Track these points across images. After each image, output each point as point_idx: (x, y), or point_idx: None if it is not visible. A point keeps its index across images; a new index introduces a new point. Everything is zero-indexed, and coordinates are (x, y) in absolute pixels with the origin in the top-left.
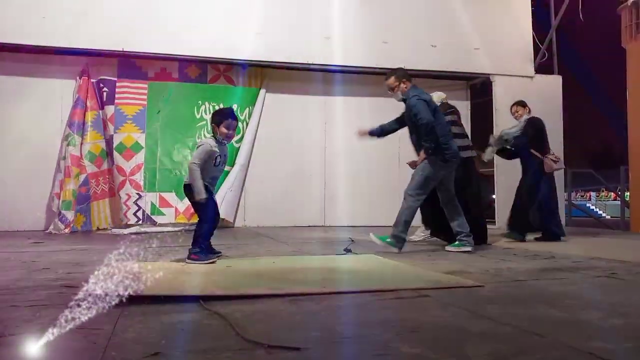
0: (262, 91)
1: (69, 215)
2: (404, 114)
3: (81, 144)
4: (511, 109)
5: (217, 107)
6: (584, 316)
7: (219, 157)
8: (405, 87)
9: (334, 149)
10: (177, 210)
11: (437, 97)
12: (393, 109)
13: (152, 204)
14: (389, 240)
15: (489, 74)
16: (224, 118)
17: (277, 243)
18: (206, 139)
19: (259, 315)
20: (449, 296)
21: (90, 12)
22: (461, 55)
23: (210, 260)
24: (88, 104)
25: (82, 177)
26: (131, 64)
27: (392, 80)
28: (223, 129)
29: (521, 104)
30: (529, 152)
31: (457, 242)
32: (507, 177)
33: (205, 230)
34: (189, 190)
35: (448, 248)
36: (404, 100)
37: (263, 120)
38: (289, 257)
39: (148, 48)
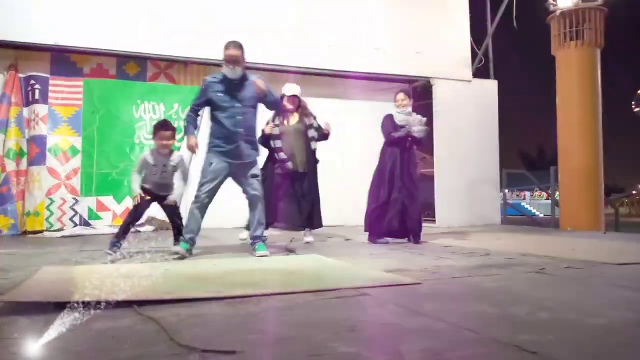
0: None
1: None
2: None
3: (4, 141)
4: (398, 95)
5: (157, 107)
6: (514, 311)
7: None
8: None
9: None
10: (114, 213)
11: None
12: (333, 110)
13: (89, 208)
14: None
15: (429, 78)
16: (156, 130)
17: (220, 245)
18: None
19: (195, 320)
20: (388, 294)
21: (21, 3)
22: (403, 59)
23: (112, 256)
24: (13, 99)
25: (3, 175)
26: (65, 60)
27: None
28: (161, 142)
29: (410, 95)
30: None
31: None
32: (446, 178)
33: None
34: None
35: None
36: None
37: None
38: (231, 259)
39: (83, 42)
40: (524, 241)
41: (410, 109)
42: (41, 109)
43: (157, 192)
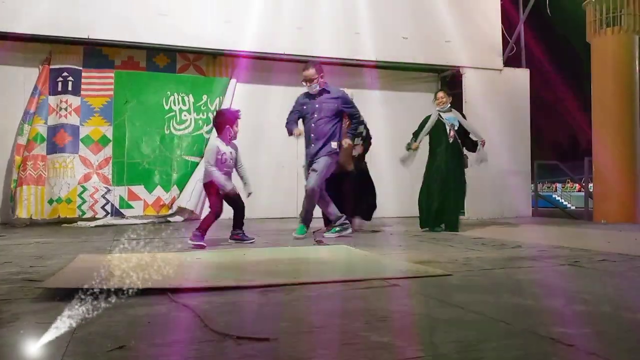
0: (233, 81)
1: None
2: (302, 107)
3: (29, 131)
4: (439, 94)
5: (186, 98)
6: (548, 303)
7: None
8: (324, 81)
9: None
10: (145, 202)
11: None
12: (364, 100)
13: (120, 197)
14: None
15: (459, 67)
16: (235, 118)
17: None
18: (212, 140)
19: (228, 307)
20: (418, 285)
21: None
22: (432, 48)
23: (198, 243)
24: (40, 89)
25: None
26: (97, 52)
27: (313, 72)
28: (237, 128)
29: (448, 93)
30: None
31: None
32: (475, 169)
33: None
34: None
35: (328, 235)
36: (321, 92)
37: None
38: (260, 248)
39: (114, 35)
40: (556, 233)
41: (447, 106)
42: (74, 100)
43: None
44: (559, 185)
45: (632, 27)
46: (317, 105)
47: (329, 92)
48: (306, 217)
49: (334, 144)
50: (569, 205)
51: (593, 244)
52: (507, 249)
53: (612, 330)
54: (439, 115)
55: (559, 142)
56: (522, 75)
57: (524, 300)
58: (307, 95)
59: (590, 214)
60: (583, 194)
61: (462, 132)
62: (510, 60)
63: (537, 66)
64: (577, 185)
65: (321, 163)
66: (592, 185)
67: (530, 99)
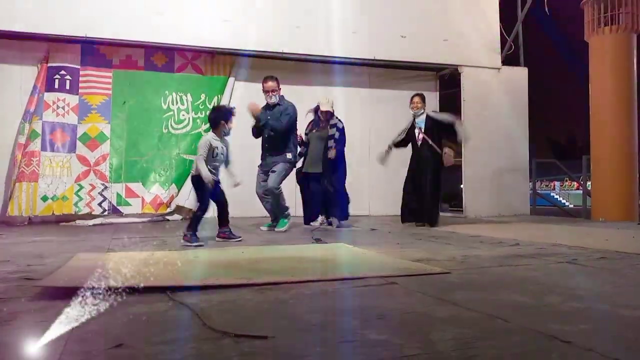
0: (231, 80)
1: None
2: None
3: (28, 130)
4: (414, 99)
5: (184, 97)
6: (546, 300)
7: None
8: (282, 94)
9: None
10: (143, 200)
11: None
12: (359, 99)
13: (118, 194)
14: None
15: (457, 65)
16: (230, 115)
17: (246, 233)
18: (206, 135)
19: (226, 305)
20: (416, 283)
21: None
22: (430, 47)
23: (198, 244)
24: (39, 88)
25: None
26: (95, 51)
27: (274, 84)
28: (231, 124)
29: (423, 98)
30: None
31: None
32: (474, 168)
33: (199, 215)
34: (195, 180)
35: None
36: (276, 104)
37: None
38: (258, 247)
39: (112, 34)
40: (555, 231)
41: (422, 111)
42: (72, 99)
43: (216, 176)
44: (557, 183)
45: (630, 25)
46: (269, 117)
47: (280, 105)
48: (281, 211)
49: (289, 155)
50: (567, 204)
51: (591, 242)
52: (505, 246)
53: (610, 327)
54: (412, 120)
55: (557, 139)
56: (520, 74)
57: (522, 298)
58: (266, 107)
59: (589, 212)
60: (581, 192)
61: (437, 129)
62: (509, 59)
63: (535, 65)
64: (575, 183)
65: (280, 167)
66: (590, 183)
67: (528, 98)
